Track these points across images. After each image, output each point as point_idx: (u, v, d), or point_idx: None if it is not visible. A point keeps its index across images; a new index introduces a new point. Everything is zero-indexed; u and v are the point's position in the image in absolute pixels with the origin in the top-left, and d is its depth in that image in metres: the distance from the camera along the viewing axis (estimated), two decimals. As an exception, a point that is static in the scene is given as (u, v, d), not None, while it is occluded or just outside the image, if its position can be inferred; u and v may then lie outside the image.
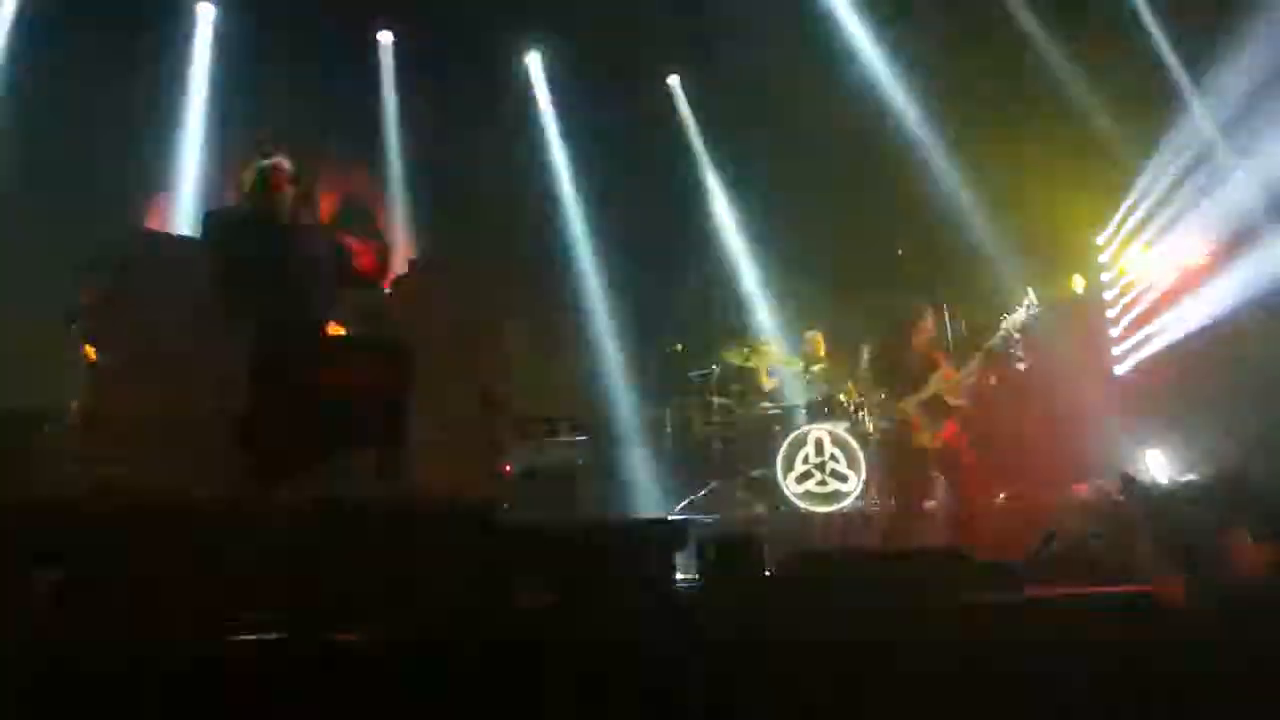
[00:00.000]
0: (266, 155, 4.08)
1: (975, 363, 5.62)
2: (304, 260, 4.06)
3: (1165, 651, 3.05)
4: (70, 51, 6.92)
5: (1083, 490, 4.88)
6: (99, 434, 5.42)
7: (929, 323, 5.87)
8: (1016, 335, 5.62)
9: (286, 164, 4.08)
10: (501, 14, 8.21)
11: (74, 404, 5.47)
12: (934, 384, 5.60)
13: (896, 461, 5.77)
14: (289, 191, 4.07)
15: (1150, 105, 7.72)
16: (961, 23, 7.81)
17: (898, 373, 5.71)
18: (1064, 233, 8.57)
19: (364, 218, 7.95)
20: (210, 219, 4.31)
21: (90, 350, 5.58)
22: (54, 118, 6.72)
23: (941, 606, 3.20)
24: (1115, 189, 8.28)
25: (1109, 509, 4.45)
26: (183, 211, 7.41)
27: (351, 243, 4.39)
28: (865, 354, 5.95)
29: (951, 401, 5.57)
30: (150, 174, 7.43)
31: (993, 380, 5.97)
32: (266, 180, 4.00)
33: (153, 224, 7.17)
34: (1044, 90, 7.81)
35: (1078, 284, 8.21)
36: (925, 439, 5.56)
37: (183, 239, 6.31)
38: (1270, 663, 2.90)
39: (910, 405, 5.59)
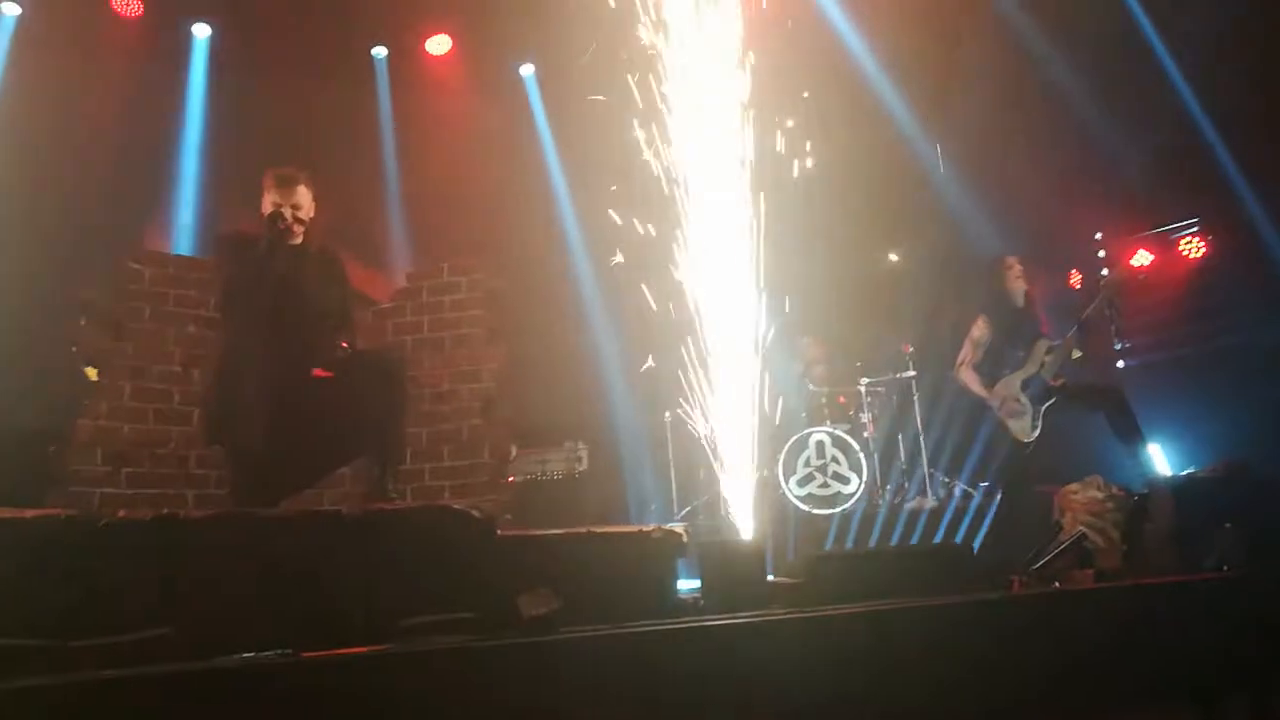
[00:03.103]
0: (284, 185, 4.10)
1: (1071, 335, 5.06)
2: (314, 288, 4.08)
3: (1156, 646, 3.06)
4: (67, 71, 6.96)
5: (1085, 487, 4.86)
6: (102, 454, 5.45)
7: (1019, 269, 5.29)
8: (1115, 301, 4.97)
9: (304, 196, 4.11)
10: (496, 25, 8.25)
11: (80, 424, 5.49)
12: (1036, 357, 5.06)
13: (999, 460, 5.22)
14: (302, 226, 4.11)
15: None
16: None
17: (1014, 338, 5.12)
18: (1061, 230, 8.58)
19: (363, 233, 7.99)
20: (223, 242, 4.32)
21: (91, 371, 5.60)
22: (51, 138, 6.75)
23: (943, 604, 3.20)
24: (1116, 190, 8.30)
25: (1106, 506, 4.46)
26: (181, 230, 7.44)
27: (354, 269, 4.43)
28: (981, 330, 5.32)
29: (1054, 383, 5.02)
30: (148, 193, 7.47)
31: (1076, 354, 5.22)
32: (278, 221, 4.01)
33: (151, 244, 7.20)
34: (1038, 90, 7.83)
35: (1075, 280, 8.22)
36: (1024, 429, 5.02)
37: (180, 259, 6.33)
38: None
39: (1014, 388, 5.05)
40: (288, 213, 4.02)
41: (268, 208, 4.05)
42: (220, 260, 4.28)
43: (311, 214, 4.16)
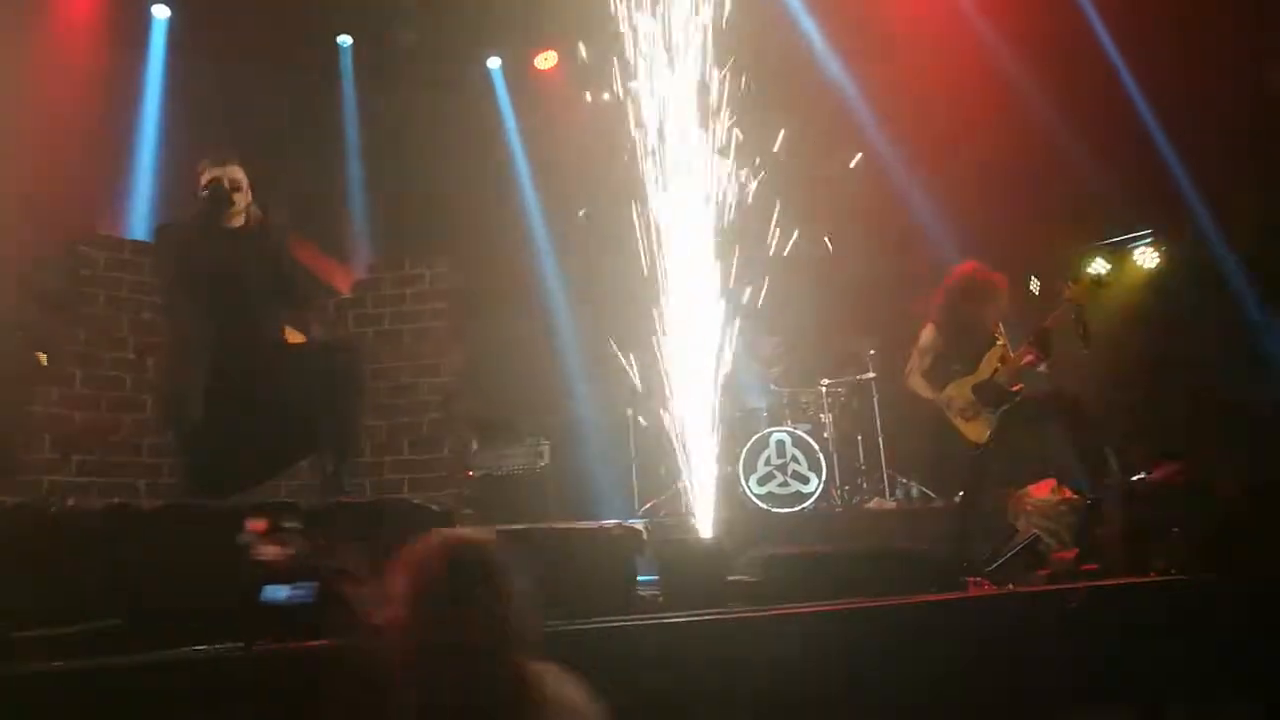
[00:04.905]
0: (219, 164, 4.03)
1: (1028, 342, 5.15)
2: (258, 271, 4.01)
3: (1102, 649, 3.12)
4: (21, 49, 6.79)
5: (1039, 490, 4.94)
6: (51, 441, 5.34)
7: (977, 283, 5.37)
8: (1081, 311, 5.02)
9: (239, 173, 4.04)
10: (465, 19, 8.18)
11: (29, 410, 5.38)
12: (988, 364, 5.20)
13: (953, 462, 5.33)
14: (241, 201, 4.03)
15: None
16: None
17: (964, 350, 5.28)
18: (1020, 239, 8.68)
19: (325, 222, 7.89)
20: (161, 233, 4.26)
21: (41, 356, 5.49)
22: (3, 118, 6.59)
23: (899, 605, 3.24)
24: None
25: (1060, 509, 4.54)
26: (138, 216, 7.30)
27: (316, 258, 4.38)
28: (928, 337, 5.44)
29: (1012, 389, 5.13)
30: (103, 176, 7.31)
31: (1042, 368, 5.26)
32: (219, 192, 3.94)
33: (105, 228, 7.05)
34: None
35: (1034, 285, 8.29)
36: (977, 431, 5.15)
37: (135, 244, 6.23)
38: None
39: (964, 390, 5.19)
40: (226, 181, 3.96)
41: (206, 181, 3.98)
42: (159, 254, 4.21)
43: (249, 199, 4.08)
